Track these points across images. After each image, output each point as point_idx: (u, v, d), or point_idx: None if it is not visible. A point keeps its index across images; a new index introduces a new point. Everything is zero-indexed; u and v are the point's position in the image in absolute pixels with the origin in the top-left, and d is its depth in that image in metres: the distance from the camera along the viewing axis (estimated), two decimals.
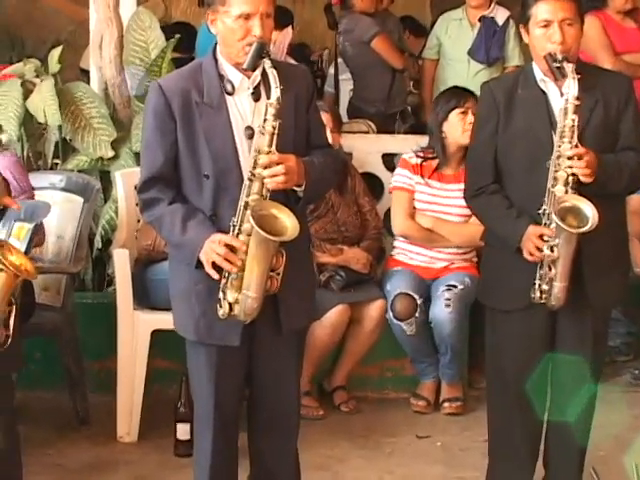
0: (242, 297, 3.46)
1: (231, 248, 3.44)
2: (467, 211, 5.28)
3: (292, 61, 5.69)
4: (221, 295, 3.50)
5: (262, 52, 3.45)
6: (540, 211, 3.80)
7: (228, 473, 3.88)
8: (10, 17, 9.57)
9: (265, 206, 3.44)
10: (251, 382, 3.81)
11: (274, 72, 3.43)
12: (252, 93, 3.56)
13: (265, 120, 3.44)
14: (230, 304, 3.49)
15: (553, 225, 3.75)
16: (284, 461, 3.91)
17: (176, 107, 3.56)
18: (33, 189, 4.97)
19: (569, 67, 3.71)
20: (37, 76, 5.79)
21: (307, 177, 3.54)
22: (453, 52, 7.14)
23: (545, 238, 3.78)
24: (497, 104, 3.94)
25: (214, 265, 3.46)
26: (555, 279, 3.80)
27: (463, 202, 5.20)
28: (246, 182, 3.47)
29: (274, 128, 3.43)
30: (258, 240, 3.41)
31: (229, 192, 3.53)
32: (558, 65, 3.73)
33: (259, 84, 3.56)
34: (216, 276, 3.47)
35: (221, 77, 3.59)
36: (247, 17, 3.48)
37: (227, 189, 3.54)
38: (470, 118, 5.32)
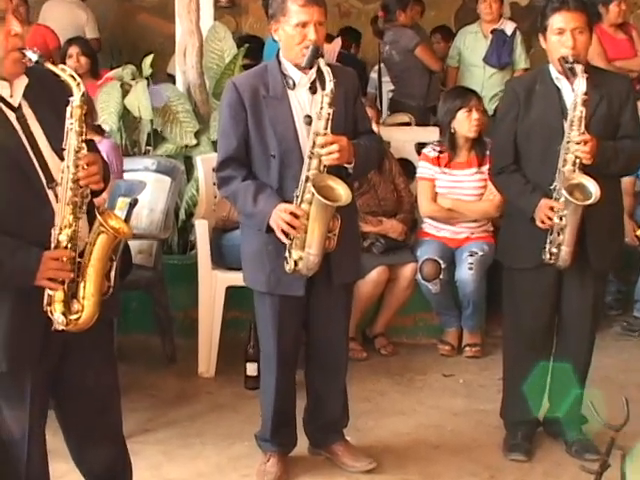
0: (305, 255, 3.48)
1: (295, 215, 3.45)
2: (480, 191, 5.35)
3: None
4: (287, 254, 3.52)
5: (317, 53, 3.48)
6: (552, 187, 3.77)
7: (288, 403, 3.90)
8: (110, 31, 9.59)
9: (323, 178, 3.46)
10: (308, 327, 3.82)
11: (328, 68, 3.44)
12: (309, 87, 3.59)
13: (321, 107, 3.45)
14: (295, 261, 3.51)
15: (562, 199, 3.72)
16: (335, 392, 3.92)
17: (247, 100, 3.58)
18: (123, 172, 4.99)
19: (579, 68, 3.67)
20: (133, 79, 5.79)
21: (356, 156, 3.55)
22: (471, 59, 7.18)
23: (555, 209, 3.75)
24: (518, 97, 3.91)
25: (283, 230, 3.47)
26: (563, 244, 3.77)
27: (476, 184, 5.34)
28: (306, 159, 3.47)
29: (329, 114, 3.43)
30: (318, 206, 3.42)
31: (292, 169, 3.54)
32: (570, 66, 3.70)
33: (315, 80, 3.58)
34: (285, 240, 3.49)
35: (284, 75, 3.61)
36: (304, 25, 3.51)
37: (290, 166, 3.55)
38: (475, 115, 5.27)
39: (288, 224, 3.47)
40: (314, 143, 3.46)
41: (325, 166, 3.47)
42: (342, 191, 3.44)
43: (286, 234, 3.49)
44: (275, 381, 3.80)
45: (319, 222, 3.45)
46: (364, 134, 3.73)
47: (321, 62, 3.46)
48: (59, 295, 2.78)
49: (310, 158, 3.46)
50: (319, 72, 3.52)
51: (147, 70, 5.80)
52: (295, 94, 3.60)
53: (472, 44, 7.17)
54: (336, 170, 3.53)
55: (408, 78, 7.38)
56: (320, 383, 3.91)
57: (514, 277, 4.03)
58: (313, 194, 3.42)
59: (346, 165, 3.56)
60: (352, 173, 3.59)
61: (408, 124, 6.92)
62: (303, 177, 3.47)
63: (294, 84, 3.60)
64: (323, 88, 3.46)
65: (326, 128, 3.44)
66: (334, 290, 3.71)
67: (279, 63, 3.63)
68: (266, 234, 3.55)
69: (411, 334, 5.54)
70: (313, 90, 3.58)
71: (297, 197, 3.48)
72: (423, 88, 7.32)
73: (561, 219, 3.75)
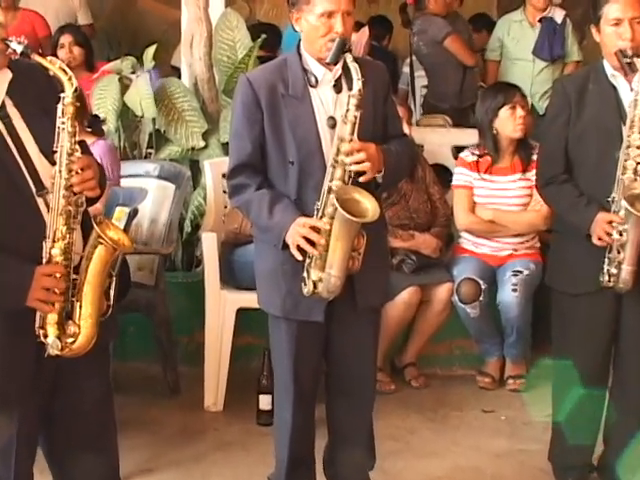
0: (325, 276, 3.45)
1: (315, 230, 3.43)
2: (525, 200, 5.34)
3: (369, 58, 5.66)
4: (305, 274, 3.50)
5: (344, 47, 3.46)
6: (609, 199, 3.75)
7: (306, 441, 3.88)
8: (107, 18, 9.64)
9: (348, 190, 3.43)
10: (329, 356, 3.80)
11: (356, 65, 3.43)
12: (334, 85, 3.57)
13: (347, 110, 3.43)
14: (314, 282, 3.48)
15: (622, 212, 3.71)
16: (361, 430, 3.90)
17: (263, 99, 3.57)
18: (121, 178, 5.01)
19: (639, 62, 3.66)
20: (133, 72, 5.83)
21: (386, 164, 3.53)
22: (517, 52, 7.14)
23: (614, 224, 3.73)
24: (569, 99, 3.91)
25: (299, 247, 3.46)
26: (623, 262, 3.75)
27: (520, 192, 5.32)
28: (329, 168, 3.46)
29: (355, 118, 3.41)
30: (341, 222, 3.40)
31: (312, 177, 3.53)
32: (629, 61, 3.69)
33: (340, 77, 3.57)
34: (300, 258, 3.47)
35: (305, 71, 3.60)
36: (329, 15, 3.49)
37: (310, 175, 3.54)
38: (519, 112, 5.29)
39: (307, 240, 3.45)
40: (338, 150, 3.44)
41: (350, 176, 3.45)
42: (369, 205, 3.42)
43: (303, 252, 3.47)
44: (291, 417, 3.79)
45: (342, 240, 3.43)
46: (395, 138, 3.72)
47: (348, 57, 3.45)
48: (53, 316, 2.80)
49: (333, 167, 3.45)
50: (345, 68, 3.51)
51: (149, 62, 5.83)
52: (317, 92, 3.59)
53: (518, 34, 7.13)
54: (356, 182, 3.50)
55: (440, 74, 7.36)
56: (343, 419, 3.89)
57: (566, 303, 4.01)
58: (336, 208, 3.40)
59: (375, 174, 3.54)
60: (381, 183, 3.58)
61: (443, 127, 6.90)
62: (325, 188, 3.45)
63: (317, 81, 3.58)
64: (350, 88, 3.46)
65: (352, 133, 3.43)
66: (359, 314, 3.69)
67: (300, 57, 3.62)
68: (282, 251, 3.54)
69: (446, 364, 5.55)
70: (338, 88, 3.57)
71: (318, 210, 3.47)
72: (456, 85, 7.29)
73: (621, 234, 3.72)
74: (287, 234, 3.48)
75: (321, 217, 3.45)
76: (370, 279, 3.63)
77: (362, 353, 3.78)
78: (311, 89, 3.59)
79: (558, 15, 7.14)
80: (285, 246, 3.51)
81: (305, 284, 3.50)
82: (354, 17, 3.58)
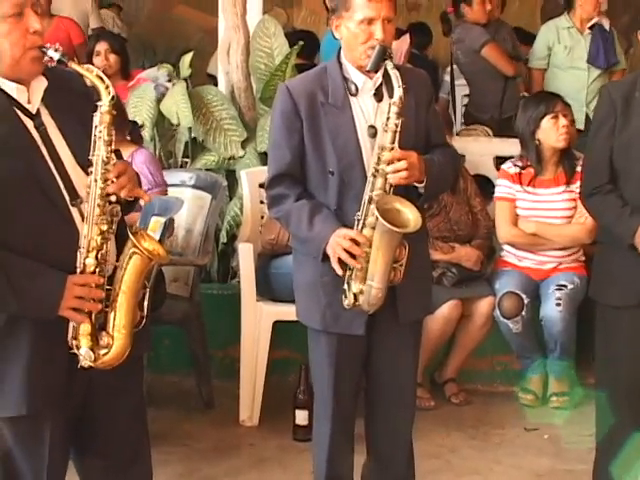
0: (366, 288, 3.45)
1: (356, 242, 3.43)
2: (569, 212, 5.33)
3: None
4: (346, 286, 3.49)
5: (384, 54, 3.46)
6: None
7: (345, 457, 3.87)
8: (143, 26, 9.73)
9: (389, 200, 3.42)
10: (369, 370, 3.79)
11: (396, 73, 3.43)
12: (374, 94, 3.57)
13: (388, 118, 3.43)
14: (355, 295, 3.47)
15: None
16: (400, 448, 3.88)
17: (303, 108, 3.58)
18: (166, 184, 5.04)
19: None
20: (169, 80, 5.86)
21: (428, 174, 3.52)
22: (570, 60, 7.02)
23: None
24: (615, 106, 3.87)
25: (339, 260, 3.46)
26: None
27: (564, 204, 5.31)
28: (370, 178, 3.46)
29: (397, 126, 3.41)
30: (382, 232, 3.39)
31: (353, 187, 3.53)
32: None
33: (381, 85, 3.57)
34: (340, 272, 3.47)
35: (345, 79, 3.60)
36: (369, 22, 3.50)
37: (351, 184, 3.54)
38: (562, 121, 5.29)
39: (348, 252, 3.44)
40: (379, 159, 3.44)
41: (392, 185, 3.45)
42: (411, 215, 3.42)
43: (344, 264, 3.47)
44: (330, 432, 3.78)
45: (383, 250, 3.42)
46: (438, 147, 3.71)
47: (389, 65, 3.45)
48: (86, 327, 2.81)
49: (374, 176, 3.45)
50: (386, 76, 3.51)
51: (185, 70, 5.88)
52: (358, 101, 3.59)
53: (570, 42, 7.01)
54: (404, 190, 3.51)
55: (479, 83, 7.32)
56: (382, 436, 3.87)
57: (610, 316, 3.97)
58: (377, 218, 3.40)
59: (416, 184, 3.53)
60: (423, 194, 3.57)
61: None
62: (366, 198, 3.45)
63: (357, 89, 3.59)
64: (390, 95, 3.46)
65: (393, 142, 3.42)
66: (400, 328, 3.68)
67: (340, 65, 3.63)
68: (322, 263, 3.54)
69: (487, 380, 5.54)
70: (379, 97, 3.56)
71: (358, 221, 3.47)
72: (497, 96, 7.23)
73: None
74: (327, 245, 3.48)
75: (362, 228, 3.45)
76: (412, 291, 3.62)
77: (402, 367, 3.77)
78: (351, 98, 3.59)
79: (605, 22, 7.08)
80: (325, 258, 3.51)
81: (346, 296, 3.49)
82: (395, 24, 3.58)
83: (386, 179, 3.43)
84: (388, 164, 3.42)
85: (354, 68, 3.59)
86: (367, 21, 3.50)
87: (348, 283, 3.48)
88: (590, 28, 6.99)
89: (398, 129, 3.42)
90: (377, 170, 3.44)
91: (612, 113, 3.88)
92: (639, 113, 3.82)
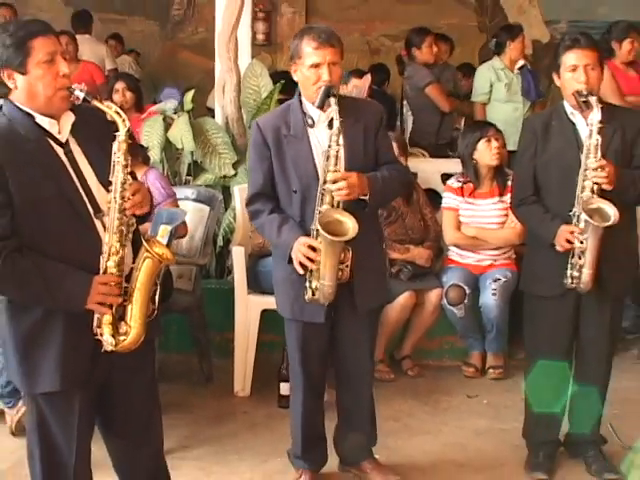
0: (320, 285, 3.50)
1: (312, 248, 3.47)
2: (502, 219, 5.34)
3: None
4: (307, 283, 3.54)
5: (329, 93, 3.46)
6: (571, 213, 3.75)
7: (316, 422, 3.92)
8: (153, 67, 9.69)
9: (330, 213, 3.45)
10: (335, 351, 3.83)
11: (336, 108, 3.42)
12: (328, 125, 3.54)
13: (329, 146, 3.44)
14: (312, 290, 3.53)
15: (582, 223, 3.71)
16: (362, 411, 3.92)
17: (270, 140, 3.61)
18: (176, 196, 5.03)
19: (593, 99, 3.67)
20: (175, 113, 5.84)
21: (371, 188, 3.52)
22: (508, 95, 6.93)
23: (575, 233, 3.73)
24: (536, 133, 3.92)
25: (300, 262, 3.50)
26: (584, 266, 3.74)
27: (497, 212, 5.34)
28: (319, 195, 3.47)
29: (337, 151, 3.42)
30: (326, 241, 3.43)
31: (312, 203, 3.54)
32: (584, 99, 3.70)
33: (332, 118, 3.52)
34: (301, 272, 3.51)
35: (304, 114, 3.60)
36: (317, 66, 3.50)
37: (310, 201, 3.55)
38: (494, 144, 5.30)
39: (307, 257, 3.48)
40: (325, 180, 3.46)
41: (338, 201, 3.47)
42: (350, 224, 3.42)
43: (304, 266, 3.50)
44: (302, 401, 3.82)
45: (329, 256, 3.45)
46: (387, 164, 3.69)
47: (332, 101, 3.44)
48: (108, 318, 2.83)
49: (322, 194, 3.47)
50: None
51: (188, 104, 5.85)
52: (315, 132, 3.59)
53: (506, 79, 6.96)
54: (354, 203, 3.51)
55: (422, 115, 7.24)
56: (348, 403, 3.92)
57: (535, 304, 4.02)
58: (318, 231, 3.43)
59: (362, 197, 3.53)
60: (368, 205, 3.55)
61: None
62: (317, 212, 3.48)
63: (313, 122, 3.59)
64: (331, 127, 3.45)
65: (335, 165, 3.43)
66: (358, 317, 3.71)
67: (300, 102, 3.63)
68: (289, 264, 3.58)
69: (437, 357, 5.53)
70: (331, 127, 3.52)
71: (313, 231, 3.50)
72: (434, 126, 7.17)
73: (582, 243, 3.72)
74: (292, 251, 3.53)
75: (317, 236, 3.48)
76: (368, 285, 3.65)
77: (360, 347, 3.80)
78: (309, 129, 3.59)
79: (528, 64, 7.12)
80: (291, 260, 3.55)
81: (306, 292, 3.54)
82: (340, 67, 3.55)
83: (332, 196, 3.45)
84: (333, 183, 3.43)
85: (310, 104, 3.59)
86: (315, 65, 3.50)
87: (310, 281, 3.53)
88: (519, 69, 6.99)
89: (338, 154, 3.42)
90: (324, 189, 3.46)
91: (534, 139, 3.92)
92: (555, 139, 3.87)
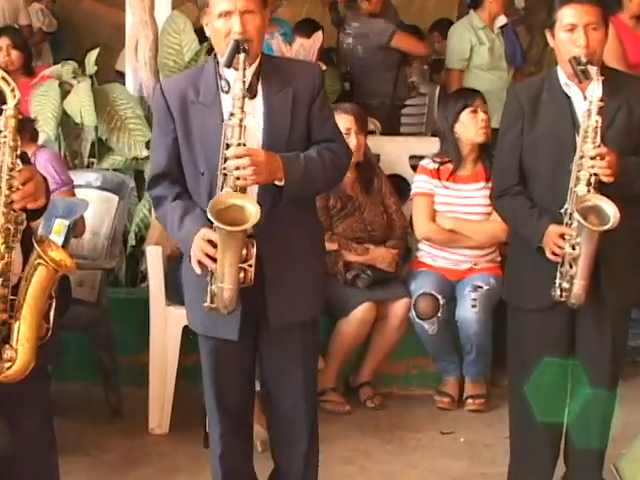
0: (218, 289, 3.38)
1: (212, 243, 3.37)
2: (487, 209, 5.34)
3: (323, 65, 5.59)
4: (208, 288, 3.44)
5: (238, 49, 3.36)
6: (562, 210, 3.78)
7: (239, 464, 3.83)
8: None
9: (223, 199, 3.33)
10: (261, 375, 3.75)
11: (243, 67, 3.34)
12: (247, 90, 3.38)
13: (232, 114, 3.35)
14: (211, 297, 3.43)
15: (575, 224, 3.73)
16: (294, 462, 3.80)
17: (173, 107, 3.53)
18: (73, 183, 5.02)
19: (593, 70, 3.68)
20: (74, 77, 5.82)
21: (288, 173, 3.43)
22: (491, 60, 7.01)
23: (566, 237, 3.76)
24: (522, 108, 3.93)
25: (198, 260, 3.41)
26: (575, 277, 3.76)
27: (482, 201, 5.33)
28: (220, 176, 3.38)
29: (240, 120, 3.33)
30: (221, 233, 3.32)
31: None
32: (582, 68, 3.70)
33: (252, 81, 3.45)
34: (199, 271, 3.42)
35: (220, 77, 3.52)
36: (226, 15, 3.41)
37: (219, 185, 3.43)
38: (481, 115, 5.36)
39: (205, 253, 3.37)
40: (225, 158, 3.35)
41: (238, 185, 3.35)
42: (250, 209, 3.30)
43: (204, 265, 3.40)
44: (219, 436, 3.75)
45: (226, 251, 3.33)
46: (322, 143, 3.59)
47: (242, 57, 3.34)
48: None
49: (225, 175, 3.36)
50: (260, 72, 3.46)
51: (91, 67, 5.84)
52: (230, 99, 3.45)
53: (489, 42, 7.01)
54: (270, 190, 3.44)
55: (371, 75, 7.22)
56: (276, 448, 3.84)
57: (519, 319, 4.06)
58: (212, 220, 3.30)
59: (277, 183, 3.43)
60: (284, 193, 3.44)
61: (372, 132, 6.54)
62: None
63: (229, 87, 3.48)
64: (255, 92, 3.41)
65: (240, 138, 3.34)
66: (284, 334, 3.61)
67: (217, 63, 3.53)
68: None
69: (403, 384, 5.58)
70: (252, 93, 3.45)
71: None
72: (390, 84, 7.20)
73: (574, 248, 3.75)
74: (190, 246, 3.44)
75: (215, 228, 3.36)
76: (286, 295, 3.55)
77: (288, 374, 3.69)
78: (223, 95, 3.50)
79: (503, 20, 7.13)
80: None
81: (205, 300, 3.44)
82: (260, 17, 3.44)
83: (238, 178, 3.34)
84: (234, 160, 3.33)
85: None
86: (224, 14, 3.41)
87: (211, 285, 3.43)
88: (501, 28, 7.03)
89: (244, 124, 3.33)
90: (224, 168, 3.36)
91: (520, 115, 3.93)
92: (545, 115, 3.89)
